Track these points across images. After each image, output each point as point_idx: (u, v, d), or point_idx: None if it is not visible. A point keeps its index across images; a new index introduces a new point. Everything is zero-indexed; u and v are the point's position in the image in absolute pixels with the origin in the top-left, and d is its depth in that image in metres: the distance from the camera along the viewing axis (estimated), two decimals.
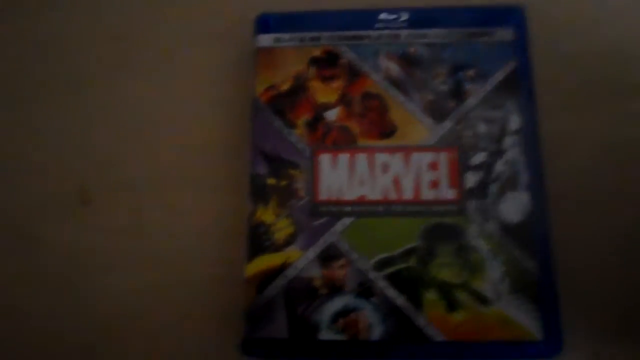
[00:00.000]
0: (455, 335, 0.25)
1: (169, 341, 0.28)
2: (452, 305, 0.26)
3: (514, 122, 0.28)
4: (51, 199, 0.30)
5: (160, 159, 0.31)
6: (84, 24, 0.34)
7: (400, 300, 0.26)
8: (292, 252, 0.27)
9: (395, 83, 0.29)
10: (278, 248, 0.27)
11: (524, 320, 0.25)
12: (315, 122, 0.29)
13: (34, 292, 0.29)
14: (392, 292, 0.26)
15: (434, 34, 0.30)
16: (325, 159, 0.28)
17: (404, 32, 0.30)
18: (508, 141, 0.28)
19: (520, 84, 0.28)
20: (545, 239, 0.26)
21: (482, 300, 0.26)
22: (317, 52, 0.30)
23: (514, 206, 0.27)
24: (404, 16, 0.30)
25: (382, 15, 0.30)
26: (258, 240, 0.27)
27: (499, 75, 0.29)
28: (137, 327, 0.28)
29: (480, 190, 0.27)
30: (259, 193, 0.28)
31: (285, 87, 0.29)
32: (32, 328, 0.28)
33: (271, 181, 0.28)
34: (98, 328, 0.28)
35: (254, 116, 0.29)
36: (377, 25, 0.30)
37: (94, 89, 0.32)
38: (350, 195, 0.27)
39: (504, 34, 0.29)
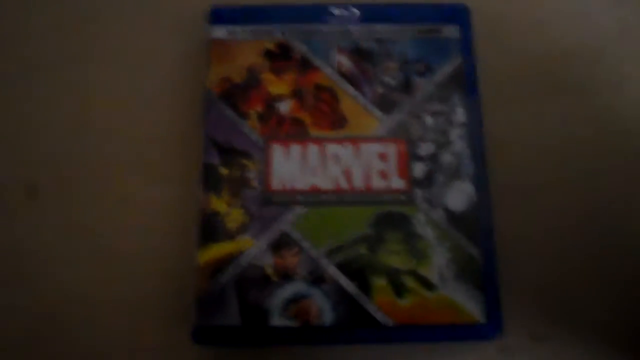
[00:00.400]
0: (403, 320, 0.26)
1: (120, 332, 0.28)
2: (399, 290, 0.27)
3: (460, 115, 0.29)
4: None
5: (111, 151, 0.30)
6: (35, 13, 0.33)
7: (350, 286, 0.27)
8: (244, 241, 0.27)
9: (347, 76, 0.30)
10: (231, 236, 0.27)
11: (468, 305, 0.26)
12: (268, 113, 0.29)
13: None
14: (342, 279, 0.27)
15: (384, 30, 0.30)
16: (277, 149, 0.28)
17: (356, 27, 0.30)
18: (454, 133, 0.29)
19: (465, 79, 0.30)
20: (488, 227, 0.28)
21: (429, 285, 0.27)
22: (270, 45, 0.30)
23: (459, 195, 0.28)
24: (356, 11, 0.31)
25: (335, 11, 0.31)
26: (211, 229, 0.27)
27: (446, 70, 0.30)
28: (86, 318, 0.28)
29: (428, 180, 0.28)
30: (212, 182, 0.28)
31: (238, 79, 0.29)
32: None
33: (224, 171, 0.28)
34: (44, 319, 0.28)
35: (207, 107, 0.29)
36: (329, 20, 0.31)
37: (44, 80, 0.32)
38: (302, 185, 0.28)
39: (451, 31, 0.30)
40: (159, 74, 0.31)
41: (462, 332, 0.26)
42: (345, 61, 0.30)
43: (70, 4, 0.33)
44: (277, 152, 0.28)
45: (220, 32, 0.30)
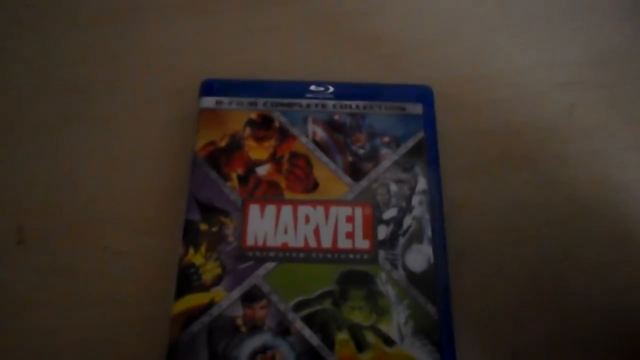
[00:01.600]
0: None
1: None
2: (360, 345, 0.28)
3: (421, 183, 0.32)
4: None
5: (100, 203, 0.33)
6: (40, 73, 0.37)
7: (314, 339, 0.28)
8: (218, 292, 0.29)
9: (320, 145, 0.33)
10: (205, 288, 0.29)
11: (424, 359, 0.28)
12: (247, 176, 0.32)
13: None
14: (307, 332, 0.28)
15: (356, 105, 0.34)
16: (254, 209, 0.31)
17: (330, 102, 0.34)
18: (415, 200, 0.32)
19: (427, 151, 0.33)
20: (445, 286, 0.30)
21: (388, 341, 0.28)
22: (253, 115, 0.34)
23: (419, 257, 0.30)
24: (331, 89, 0.35)
25: (312, 87, 0.35)
26: (187, 281, 0.29)
27: (410, 143, 0.33)
28: None
29: (390, 241, 0.31)
30: (191, 237, 0.30)
31: (222, 143, 0.33)
32: None
33: (203, 227, 0.31)
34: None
35: (193, 168, 0.32)
36: (307, 95, 0.34)
37: (40, 135, 0.35)
38: (275, 242, 0.30)
39: (415, 108, 0.34)
40: (153, 137, 0.35)
41: None
42: (319, 131, 0.33)
43: (81, 69, 0.37)
44: (254, 212, 0.31)
45: (209, 102, 0.34)
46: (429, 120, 0.34)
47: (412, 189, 0.32)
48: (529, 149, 0.35)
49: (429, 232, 0.31)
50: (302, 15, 0.39)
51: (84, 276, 0.31)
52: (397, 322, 0.29)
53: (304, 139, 0.33)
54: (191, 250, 0.30)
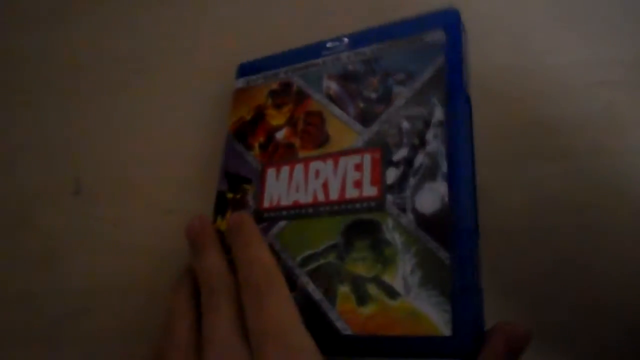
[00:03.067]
0: (363, 329, 0.25)
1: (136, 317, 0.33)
2: (361, 298, 0.25)
3: (437, 114, 0.27)
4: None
5: (149, 164, 0.39)
6: (101, 46, 0.45)
7: (316, 294, 0.27)
8: None
9: (333, 99, 0.31)
10: (228, 252, 0.30)
11: (433, 315, 0.23)
12: (267, 143, 0.32)
13: (20, 270, 0.38)
14: (311, 287, 0.27)
15: (370, 50, 0.31)
16: (270, 172, 0.31)
17: (344, 54, 0.32)
18: (430, 134, 0.27)
19: (447, 78, 0.28)
20: (466, 228, 0.24)
21: (391, 293, 0.25)
22: (274, 86, 0.34)
23: (430, 196, 0.26)
24: (346, 40, 0.33)
25: (328, 44, 0.33)
26: None
27: (427, 74, 0.29)
28: (110, 305, 0.35)
29: (400, 184, 0.27)
30: (219, 207, 0.32)
31: (248, 117, 0.34)
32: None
33: (229, 195, 0.32)
34: (72, 302, 0.36)
35: (225, 144, 0.34)
36: (324, 53, 0.33)
37: (98, 99, 0.42)
38: (287, 201, 0.30)
39: (435, 35, 0.30)
40: (201, 110, 0.39)
41: (424, 345, 0.23)
42: (333, 85, 0.32)
43: (116, 40, 0.44)
44: (270, 175, 0.31)
45: (241, 82, 0.36)
46: (452, 45, 0.29)
47: (427, 123, 0.27)
48: (563, 141, 0.30)
49: (444, 167, 0.26)
50: None
51: (131, 228, 0.36)
52: (402, 272, 0.25)
53: (317, 96, 0.32)
54: (219, 219, 0.32)
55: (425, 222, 0.25)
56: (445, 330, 0.23)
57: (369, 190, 0.28)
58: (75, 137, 0.42)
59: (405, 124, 0.28)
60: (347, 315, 0.25)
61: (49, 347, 0.35)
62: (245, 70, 0.36)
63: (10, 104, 0.44)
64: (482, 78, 0.32)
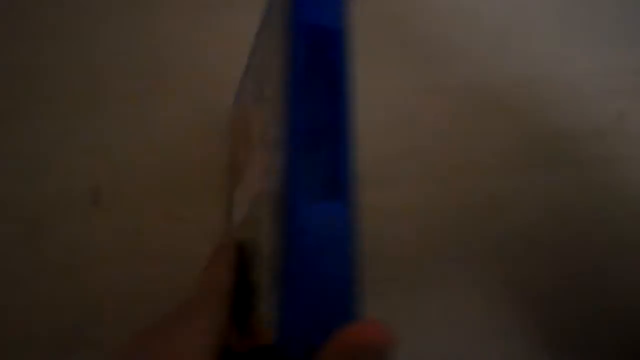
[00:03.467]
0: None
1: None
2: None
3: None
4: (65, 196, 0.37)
5: (167, 173, 0.38)
6: (121, 55, 0.41)
7: None
8: None
9: None
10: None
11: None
12: None
13: (37, 279, 0.36)
14: None
15: None
16: None
17: None
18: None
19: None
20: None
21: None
22: None
23: None
24: None
25: None
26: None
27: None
28: (129, 314, 0.34)
29: None
30: (229, 207, 0.34)
31: None
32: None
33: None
34: (90, 312, 0.35)
35: None
36: None
37: (117, 108, 0.40)
38: None
39: None
40: (216, 121, 0.39)
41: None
42: None
43: (136, 50, 0.42)
44: None
45: None
46: None
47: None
48: (576, 150, 0.33)
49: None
50: None
51: (148, 236, 0.36)
52: None
53: None
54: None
55: None
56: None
57: None
58: (94, 146, 0.39)
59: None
60: None
61: (66, 356, 0.34)
62: None
63: (30, 113, 0.40)
64: (496, 89, 0.34)
